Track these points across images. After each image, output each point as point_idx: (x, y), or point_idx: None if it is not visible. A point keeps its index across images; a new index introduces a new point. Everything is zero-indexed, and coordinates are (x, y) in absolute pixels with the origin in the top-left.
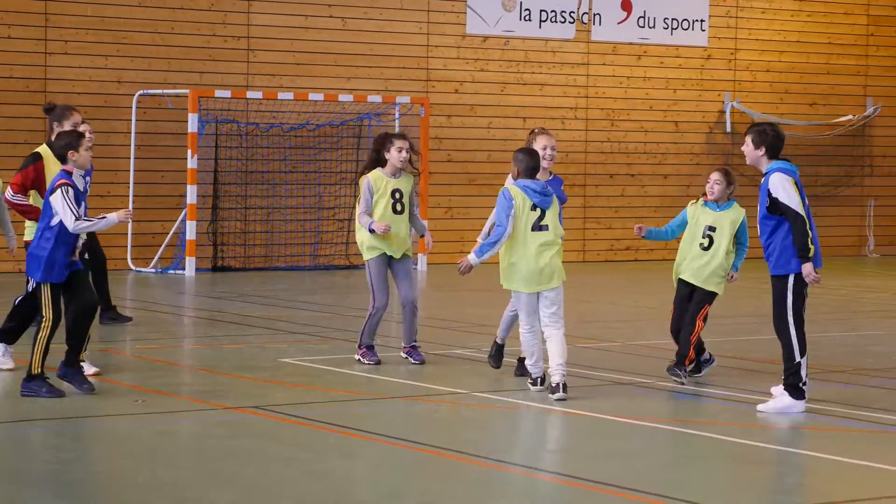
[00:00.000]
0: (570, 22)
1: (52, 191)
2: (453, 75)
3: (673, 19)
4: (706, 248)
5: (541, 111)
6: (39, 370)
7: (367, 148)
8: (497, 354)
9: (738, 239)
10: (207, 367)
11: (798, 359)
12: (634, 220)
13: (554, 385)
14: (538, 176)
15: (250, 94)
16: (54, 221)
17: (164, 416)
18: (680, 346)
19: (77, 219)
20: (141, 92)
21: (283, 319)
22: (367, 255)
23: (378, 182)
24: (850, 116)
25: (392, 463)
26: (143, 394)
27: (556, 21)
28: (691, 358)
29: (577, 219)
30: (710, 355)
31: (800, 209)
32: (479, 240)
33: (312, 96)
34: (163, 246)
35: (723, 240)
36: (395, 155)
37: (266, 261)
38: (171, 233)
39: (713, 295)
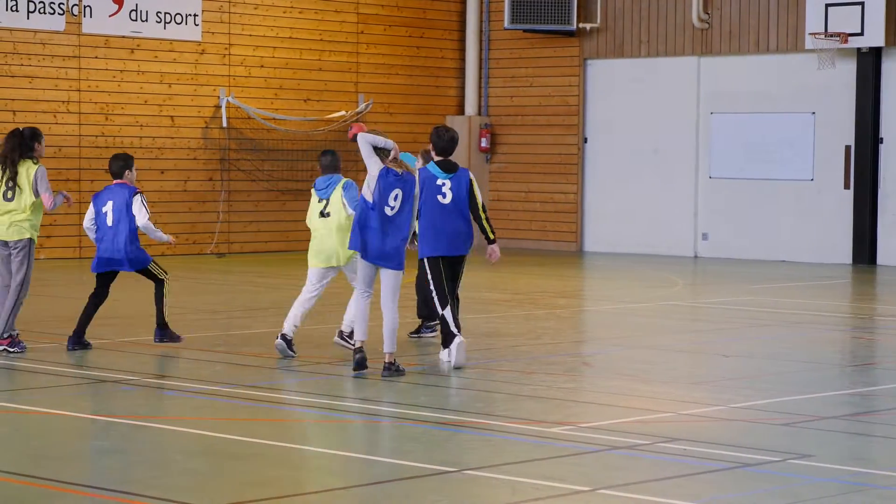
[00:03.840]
0: (59, 13)
1: None
2: None
3: (166, 13)
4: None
5: (31, 104)
6: None
7: None
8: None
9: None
10: None
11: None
12: None
13: None
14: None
15: None
16: None
17: None
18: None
19: None
20: None
21: None
22: None
23: None
24: (342, 112)
25: None
26: None
27: (45, 12)
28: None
29: (74, 214)
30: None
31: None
32: None
33: None
34: None
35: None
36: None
37: None
38: None
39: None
